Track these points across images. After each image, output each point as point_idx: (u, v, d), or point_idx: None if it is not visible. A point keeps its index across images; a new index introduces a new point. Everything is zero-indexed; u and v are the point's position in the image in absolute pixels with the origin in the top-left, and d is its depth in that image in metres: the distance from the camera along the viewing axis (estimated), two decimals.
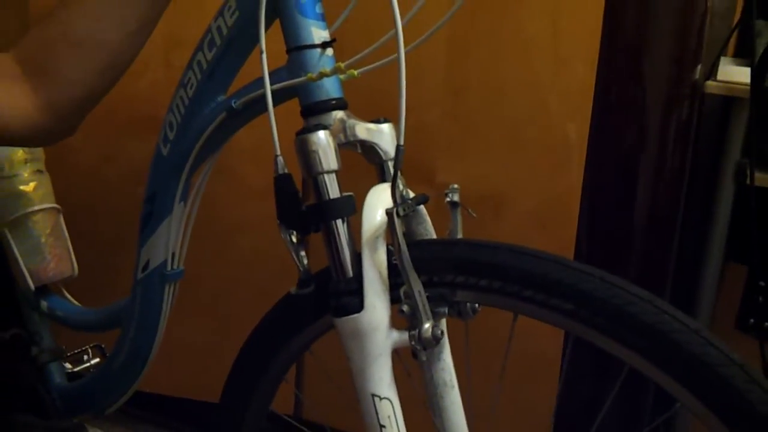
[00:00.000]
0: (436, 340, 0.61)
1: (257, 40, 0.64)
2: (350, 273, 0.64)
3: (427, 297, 0.62)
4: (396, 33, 0.57)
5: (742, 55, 1.21)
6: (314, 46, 0.65)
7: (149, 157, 0.81)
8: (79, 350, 1.05)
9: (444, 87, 1.13)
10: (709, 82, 1.12)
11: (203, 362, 1.26)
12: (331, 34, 0.67)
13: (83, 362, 1.05)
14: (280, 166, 0.64)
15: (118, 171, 1.28)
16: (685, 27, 1.09)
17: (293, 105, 0.68)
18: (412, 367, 0.71)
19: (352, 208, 0.65)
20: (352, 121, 0.66)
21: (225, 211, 1.24)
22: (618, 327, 0.56)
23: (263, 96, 0.63)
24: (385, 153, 0.68)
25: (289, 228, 0.64)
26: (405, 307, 0.62)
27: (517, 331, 0.68)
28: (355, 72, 0.64)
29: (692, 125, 1.15)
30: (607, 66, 1.08)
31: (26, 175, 0.97)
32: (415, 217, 0.69)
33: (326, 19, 0.67)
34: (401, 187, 0.66)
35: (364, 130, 0.67)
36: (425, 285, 0.62)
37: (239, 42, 0.70)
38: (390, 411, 0.63)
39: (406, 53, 0.59)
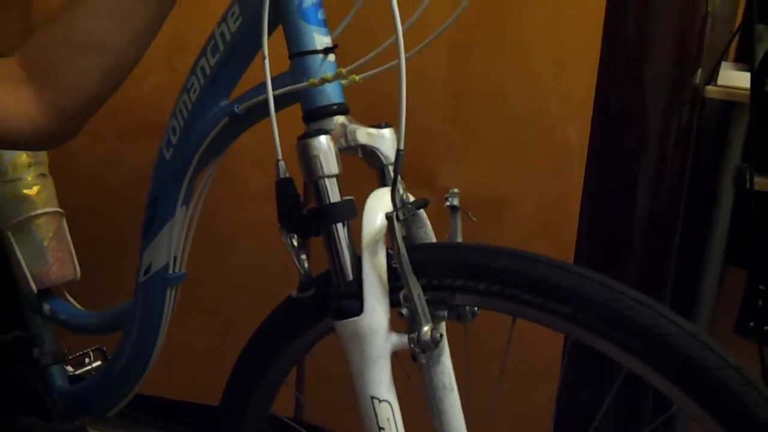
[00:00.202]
0: (435, 343, 0.62)
1: (260, 45, 0.64)
2: (350, 276, 0.64)
3: (427, 300, 0.62)
4: (396, 39, 0.58)
5: (743, 60, 1.21)
6: (316, 51, 0.66)
7: (152, 161, 0.81)
8: (81, 353, 1.05)
9: (445, 91, 1.13)
10: (710, 87, 1.12)
11: (204, 365, 1.26)
12: (333, 40, 0.67)
13: (85, 365, 1.05)
14: (281, 171, 0.64)
15: (120, 175, 1.28)
16: (686, 31, 1.09)
17: (295, 110, 0.68)
18: (412, 369, 0.71)
19: (352, 212, 0.65)
20: (353, 126, 0.67)
21: (227, 215, 1.25)
22: (616, 330, 0.56)
23: (266, 101, 0.63)
24: (386, 157, 0.68)
25: (290, 232, 0.65)
26: (404, 311, 0.62)
27: (517, 334, 0.68)
28: (357, 77, 0.64)
29: (692, 129, 1.15)
30: (607, 70, 1.09)
31: (30, 178, 0.97)
32: (415, 221, 0.70)
33: (328, 25, 0.67)
34: (401, 191, 0.67)
35: (365, 134, 0.67)
36: (425, 288, 0.62)
37: (242, 48, 0.71)
38: (389, 413, 0.63)
39: (407, 58, 0.59)
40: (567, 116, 1.10)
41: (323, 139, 0.63)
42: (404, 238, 0.65)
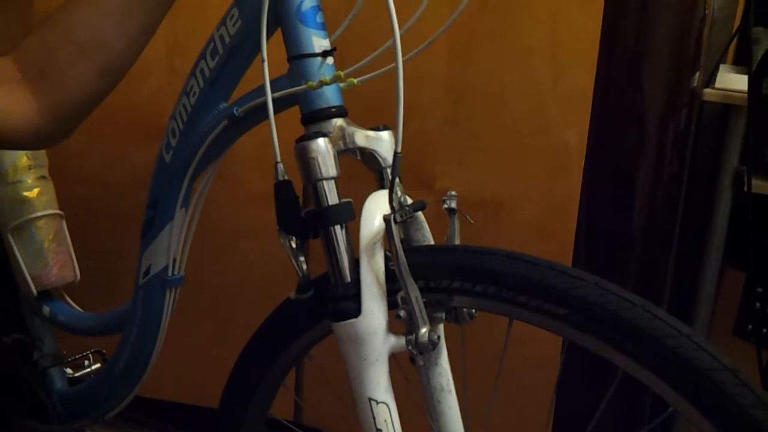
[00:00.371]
0: (433, 345, 0.62)
1: (259, 48, 0.65)
2: (348, 278, 0.64)
3: (424, 302, 0.63)
4: (394, 42, 0.58)
5: (742, 63, 1.22)
6: (315, 54, 0.66)
7: (152, 164, 0.82)
8: (81, 355, 1.05)
9: (444, 94, 1.13)
10: (707, 90, 1.12)
11: (204, 367, 1.26)
12: (331, 43, 0.68)
13: (84, 367, 1.05)
14: (280, 173, 0.64)
15: (120, 177, 1.29)
16: (684, 34, 1.10)
17: (294, 112, 0.69)
18: (410, 371, 0.72)
19: (350, 214, 0.66)
20: (351, 129, 0.67)
21: (226, 217, 1.25)
22: (611, 332, 0.56)
23: (264, 104, 0.64)
24: (384, 160, 0.69)
25: (288, 234, 0.65)
26: (402, 313, 0.62)
27: (516, 336, 0.69)
28: (355, 80, 0.65)
29: (690, 132, 1.15)
30: (605, 73, 1.09)
31: (30, 181, 0.98)
32: (413, 223, 0.70)
33: (327, 28, 0.68)
34: (399, 193, 0.67)
35: (363, 137, 0.67)
36: (422, 290, 0.63)
37: (241, 50, 0.71)
38: (387, 415, 0.64)
39: (405, 61, 0.60)
40: (566, 119, 1.10)
41: (321, 142, 0.64)
42: (402, 241, 0.65)
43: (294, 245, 0.65)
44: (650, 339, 0.55)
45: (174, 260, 0.84)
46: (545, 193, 1.13)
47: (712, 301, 1.21)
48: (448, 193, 0.69)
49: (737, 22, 1.22)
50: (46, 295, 1.02)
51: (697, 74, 1.13)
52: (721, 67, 1.19)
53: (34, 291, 0.99)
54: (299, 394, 1.29)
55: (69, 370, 1.06)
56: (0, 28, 1.25)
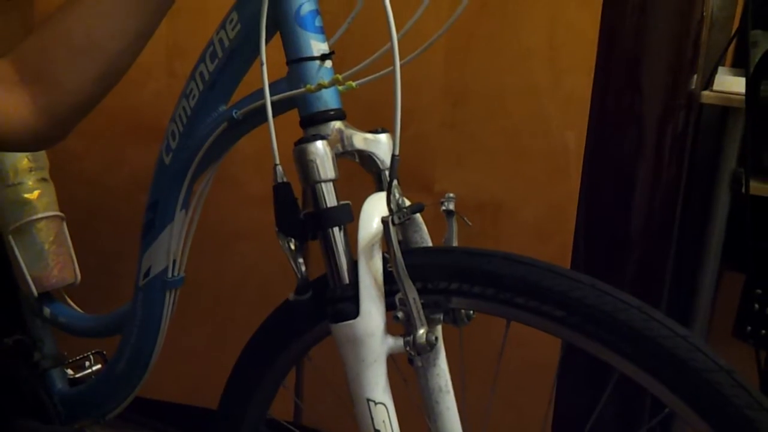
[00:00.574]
0: (431, 346, 0.62)
1: (258, 52, 0.65)
2: (346, 280, 0.65)
3: (422, 304, 0.63)
4: (391, 45, 0.59)
5: (740, 65, 1.22)
6: (313, 58, 0.66)
7: (152, 166, 0.82)
8: (81, 356, 1.06)
9: (443, 96, 1.14)
10: (705, 92, 1.13)
11: (203, 368, 1.27)
12: (330, 47, 0.68)
13: (85, 368, 1.05)
14: (279, 175, 0.65)
15: (121, 179, 1.29)
16: (682, 36, 1.10)
17: (293, 115, 0.69)
18: (408, 372, 0.72)
19: (348, 216, 0.66)
20: (349, 131, 0.67)
21: (226, 219, 1.25)
22: (608, 333, 0.57)
23: (263, 106, 0.64)
24: (383, 162, 0.69)
25: (287, 235, 0.65)
26: (400, 314, 0.63)
27: (514, 337, 0.69)
28: (354, 83, 0.65)
29: (688, 134, 1.16)
30: (604, 75, 1.10)
31: (30, 183, 0.98)
32: (411, 225, 0.70)
33: (326, 31, 0.68)
34: (397, 195, 0.67)
35: (361, 139, 0.68)
36: (420, 292, 0.63)
37: (240, 54, 0.71)
38: (385, 416, 0.64)
39: (403, 65, 0.60)
40: (564, 121, 1.11)
41: (320, 145, 0.64)
42: (400, 242, 0.66)
43: (293, 247, 0.66)
44: (646, 340, 0.55)
45: (174, 262, 0.84)
46: (544, 195, 1.14)
47: (710, 302, 1.21)
48: (446, 195, 0.69)
49: (736, 25, 1.22)
50: (47, 296, 1.03)
51: (695, 76, 1.13)
52: (720, 69, 1.19)
53: (35, 292, 1.00)
54: (299, 395, 1.30)
55: (70, 371, 1.06)
56: (0, 29, 1.25)
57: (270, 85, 0.65)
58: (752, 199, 1.09)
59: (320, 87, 0.65)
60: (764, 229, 1.11)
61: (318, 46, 0.67)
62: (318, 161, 0.64)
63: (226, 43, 0.71)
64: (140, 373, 0.91)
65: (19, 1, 1.25)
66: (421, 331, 0.62)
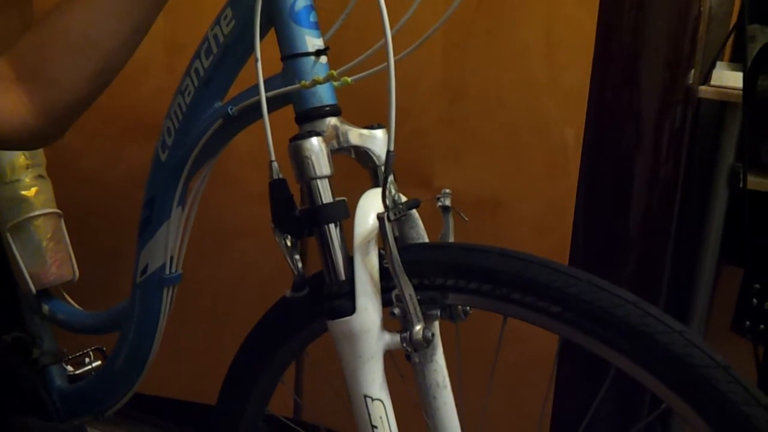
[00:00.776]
0: (427, 342, 0.62)
1: (253, 48, 0.65)
2: (343, 276, 0.65)
3: (419, 300, 0.63)
4: (385, 41, 0.58)
5: (738, 60, 1.22)
6: (308, 54, 0.66)
7: (150, 163, 0.82)
8: (80, 353, 1.06)
9: (440, 92, 1.14)
10: (703, 87, 1.13)
11: (202, 365, 1.27)
12: (325, 42, 0.68)
13: (84, 365, 1.06)
14: (274, 172, 0.65)
15: (118, 176, 1.29)
16: (679, 31, 1.10)
17: (289, 111, 0.69)
18: (405, 368, 0.72)
19: (344, 212, 0.66)
20: (345, 127, 0.67)
21: (223, 215, 1.25)
22: (604, 329, 0.57)
23: (259, 103, 0.64)
24: (378, 158, 0.69)
25: (283, 232, 0.65)
26: (396, 310, 0.63)
27: (512, 332, 0.69)
28: (349, 79, 0.65)
29: (686, 129, 1.15)
30: (601, 70, 1.09)
31: (28, 180, 0.98)
32: (408, 221, 0.70)
33: (320, 27, 0.68)
34: (393, 191, 0.67)
35: (357, 135, 0.68)
36: (416, 288, 0.63)
37: (235, 50, 0.71)
38: (382, 412, 0.64)
39: (398, 60, 0.60)
40: (563, 117, 1.10)
41: (315, 141, 0.64)
42: (396, 238, 0.66)
43: (289, 243, 0.65)
44: (643, 336, 0.55)
45: (171, 258, 0.84)
46: (543, 190, 1.13)
47: (709, 297, 1.21)
48: (443, 191, 0.69)
49: (734, 19, 1.22)
50: (45, 293, 1.03)
51: (693, 72, 1.13)
52: (718, 64, 1.19)
53: (33, 289, 1.00)
54: (298, 392, 1.30)
55: (69, 368, 1.06)
56: (0, 28, 1.25)
57: (265, 81, 0.64)
58: (750, 193, 1.09)
59: (315, 83, 0.65)
60: (762, 224, 1.11)
61: (313, 41, 0.67)
62: (313, 157, 0.64)
63: (221, 39, 0.71)
64: (139, 370, 0.91)
65: None
66: (418, 328, 0.62)
